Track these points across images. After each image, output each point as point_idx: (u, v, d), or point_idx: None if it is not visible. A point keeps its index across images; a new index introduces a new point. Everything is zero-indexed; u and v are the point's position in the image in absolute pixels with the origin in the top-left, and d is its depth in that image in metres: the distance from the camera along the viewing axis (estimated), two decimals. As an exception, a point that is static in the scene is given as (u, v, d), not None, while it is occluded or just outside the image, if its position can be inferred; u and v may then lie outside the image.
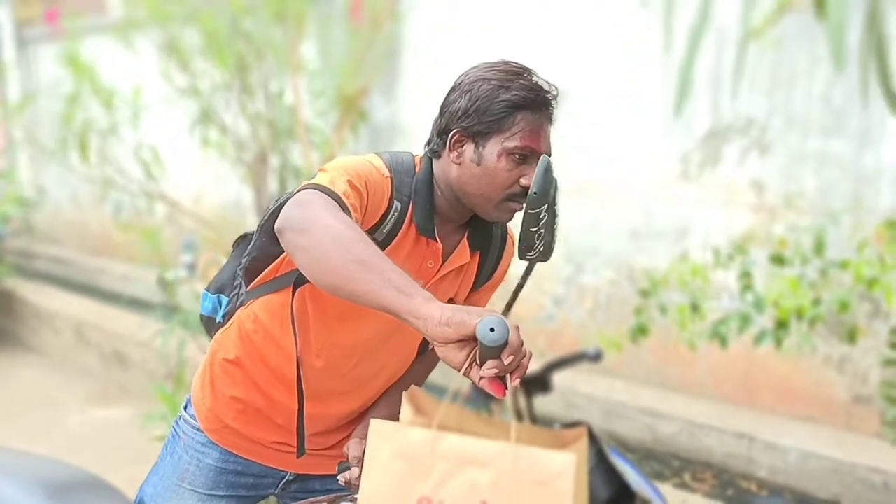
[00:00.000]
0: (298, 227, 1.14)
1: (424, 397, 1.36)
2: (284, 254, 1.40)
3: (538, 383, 1.43)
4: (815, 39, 3.29)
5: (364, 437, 1.44)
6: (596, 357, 1.38)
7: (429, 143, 1.43)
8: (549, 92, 1.35)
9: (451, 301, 1.49)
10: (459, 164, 1.36)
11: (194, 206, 5.14)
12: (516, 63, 1.37)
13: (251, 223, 3.49)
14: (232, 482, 1.53)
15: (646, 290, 3.07)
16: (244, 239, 1.55)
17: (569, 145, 4.46)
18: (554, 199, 1.29)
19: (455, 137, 1.36)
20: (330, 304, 1.39)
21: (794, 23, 3.12)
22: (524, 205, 1.33)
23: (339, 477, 1.41)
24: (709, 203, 3.87)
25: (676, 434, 3.76)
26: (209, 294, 1.60)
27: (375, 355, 1.47)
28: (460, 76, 1.40)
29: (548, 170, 1.27)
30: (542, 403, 3.79)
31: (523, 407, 1.49)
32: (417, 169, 1.42)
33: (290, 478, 1.57)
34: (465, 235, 1.46)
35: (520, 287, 1.51)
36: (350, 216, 1.20)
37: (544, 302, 4.65)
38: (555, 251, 1.40)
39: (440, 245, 1.41)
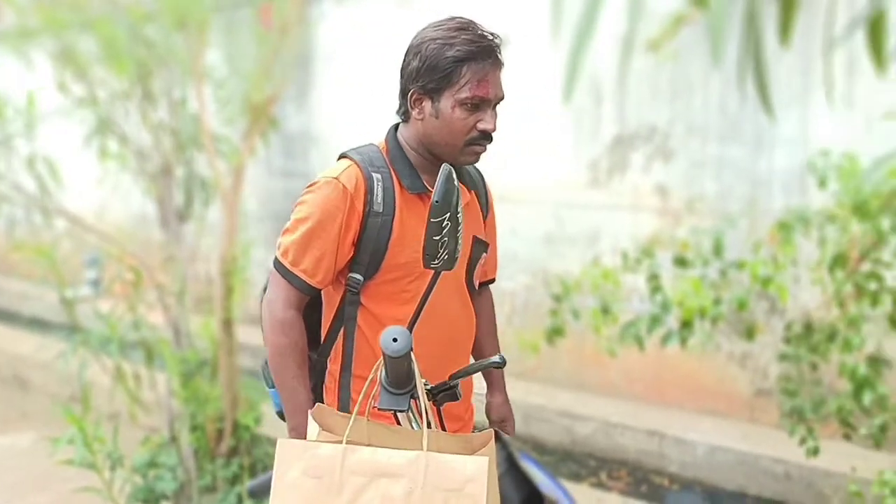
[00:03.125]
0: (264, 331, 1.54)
1: (330, 413, 1.34)
2: (330, 307, 1.61)
3: (446, 392, 1.43)
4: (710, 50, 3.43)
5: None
6: (500, 364, 1.40)
7: (399, 108, 1.57)
8: (491, 41, 1.48)
9: (473, 238, 1.64)
10: (422, 119, 1.51)
11: (97, 221, 4.93)
12: (460, 19, 1.49)
13: (157, 237, 3.37)
14: None
15: (559, 295, 3.13)
16: None
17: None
18: (456, 206, 1.30)
19: (413, 97, 1.51)
20: (386, 298, 1.56)
21: (690, 34, 3.26)
22: (485, 146, 1.51)
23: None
24: (618, 208, 3.98)
25: (592, 434, 3.84)
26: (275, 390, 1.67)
27: (441, 311, 1.60)
28: (413, 38, 1.53)
29: (448, 178, 1.28)
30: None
31: (433, 416, 1.49)
32: (383, 147, 1.59)
33: None
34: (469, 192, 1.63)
35: (425, 298, 1.51)
36: (306, 291, 1.53)
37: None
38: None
39: None
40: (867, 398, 2.39)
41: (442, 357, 1.58)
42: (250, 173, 4.73)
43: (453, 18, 1.49)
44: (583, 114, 4.00)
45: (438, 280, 1.56)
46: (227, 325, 3.02)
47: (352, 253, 1.53)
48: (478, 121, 1.48)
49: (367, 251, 1.52)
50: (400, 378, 1.23)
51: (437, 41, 1.46)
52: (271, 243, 6.20)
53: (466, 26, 1.48)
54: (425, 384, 1.41)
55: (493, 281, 1.81)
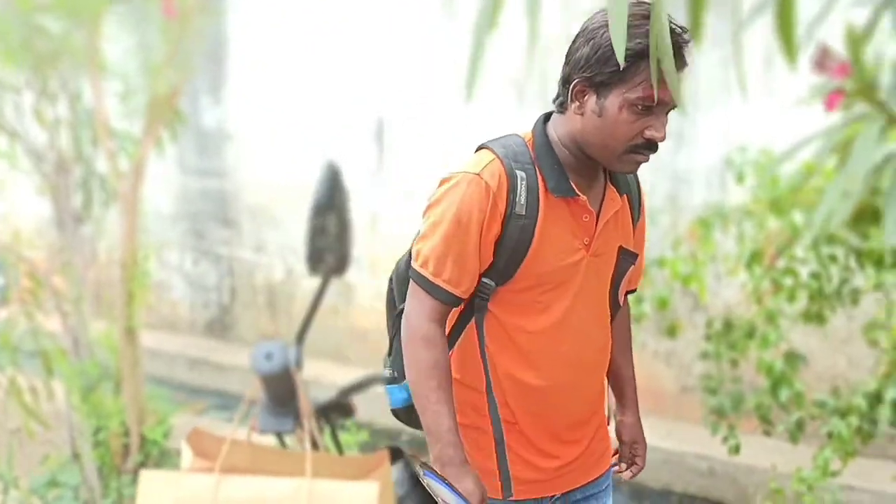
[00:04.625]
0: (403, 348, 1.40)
1: (208, 438, 1.22)
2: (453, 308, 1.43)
3: (339, 409, 1.33)
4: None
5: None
6: (392, 379, 1.31)
7: (557, 97, 1.40)
8: (679, 35, 1.26)
9: (621, 248, 1.48)
10: (581, 114, 1.34)
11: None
12: (647, 4, 1.25)
13: (54, 239, 3.15)
14: None
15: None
16: (398, 317, 1.52)
17: (396, 150, 4.41)
18: (342, 207, 1.19)
19: (577, 88, 1.33)
20: (516, 307, 1.41)
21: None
22: (648, 156, 1.34)
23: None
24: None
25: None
26: (397, 385, 1.54)
27: (577, 327, 1.45)
28: (586, 21, 1.33)
29: (334, 177, 1.17)
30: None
31: (324, 435, 1.39)
32: (529, 140, 1.42)
33: (556, 497, 1.53)
34: (606, 181, 1.45)
35: (314, 306, 1.40)
36: (451, 303, 1.38)
37: (388, 310, 4.57)
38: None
39: (584, 197, 1.39)
40: (784, 395, 2.39)
41: (570, 379, 1.45)
42: (162, 172, 4.52)
43: (640, 3, 1.26)
44: (505, 113, 3.94)
45: (578, 292, 1.42)
46: (130, 333, 2.84)
47: (494, 258, 1.38)
48: (646, 126, 1.30)
49: (504, 256, 1.38)
50: (281, 397, 1.12)
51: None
52: (187, 246, 5.97)
53: (651, 16, 1.25)
54: (318, 402, 1.30)
55: (633, 291, 1.67)
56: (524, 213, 1.36)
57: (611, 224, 1.44)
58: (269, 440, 1.83)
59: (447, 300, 1.37)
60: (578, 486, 1.53)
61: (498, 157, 1.38)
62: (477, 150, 1.44)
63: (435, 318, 1.37)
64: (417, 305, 1.38)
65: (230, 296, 5.15)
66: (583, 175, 1.40)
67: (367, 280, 4.53)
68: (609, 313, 1.52)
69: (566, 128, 1.38)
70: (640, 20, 1.23)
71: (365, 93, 4.42)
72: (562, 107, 1.39)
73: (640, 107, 1.27)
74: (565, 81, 1.36)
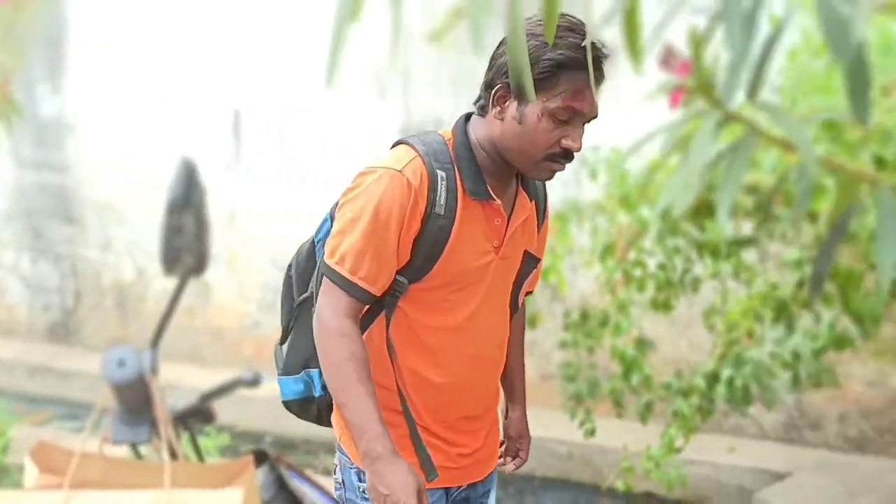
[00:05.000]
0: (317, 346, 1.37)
1: (55, 451, 1.13)
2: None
3: (198, 415, 1.27)
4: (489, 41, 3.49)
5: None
6: (253, 382, 1.27)
7: (478, 100, 1.41)
8: (599, 50, 1.29)
9: (525, 252, 1.50)
10: (501, 119, 1.36)
11: None
12: (570, 17, 1.30)
13: None
14: None
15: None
16: (299, 307, 1.50)
17: (253, 143, 4.29)
18: (200, 205, 1.14)
19: (499, 93, 1.35)
20: (426, 305, 1.41)
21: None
22: (564, 165, 1.37)
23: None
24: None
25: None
26: (292, 377, 1.51)
27: (481, 327, 1.46)
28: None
29: (190, 174, 1.12)
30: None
31: (182, 442, 1.32)
32: (449, 140, 1.41)
33: (462, 495, 1.54)
34: (519, 186, 1.46)
35: (171, 308, 1.34)
36: (365, 300, 1.35)
37: (249, 309, 4.43)
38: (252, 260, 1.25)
39: (499, 202, 1.41)
40: (635, 378, 2.54)
41: (470, 376, 1.47)
42: (-6, 165, 4.16)
43: (564, 16, 1.29)
44: (367, 106, 3.92)
45: (485, 293, 1.44)
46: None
47: (410, 257, 1.37)
48: (563, 136, 1.33)
49: (421, 255, 1.38)
50: (135, 405, 1.05)
51: (539, 38, 1.27)
52: (23, 245, 5.52)
53: (575, 28, 1.31)
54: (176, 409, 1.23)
55: (531, 292, 1.67)
56: (443, 213, 1.37)
57: (519, 229, 1.47)
58: (123, 451, 1.72)
59: (363, 297, 1.36)
60: (479, 479, 1.55)
61: (419, 154, 1.37)
62: (395, 145, 1.44)
63: (350, 314, 1.35)
64: (332, 302, 1.35)
65: (74, 298, 4.81)
66: (499, 179, 1.42)
67: (225, 278, 4.38)
68: (509, 314, 1.55)
69: (486, 131, 1.40)
70: (564, 31, 1.28)
71: (219, 83, 4.26)
72: (482, 110, 1.40)
73: (558, 117, 1.32)
74: (487, 86, 1.38)
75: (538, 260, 1.56)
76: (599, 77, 1.33)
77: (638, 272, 2.58)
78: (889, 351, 2.22)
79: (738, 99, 0.89)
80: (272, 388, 4.02)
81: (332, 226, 1.47)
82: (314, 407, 1.51)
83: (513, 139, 1.35)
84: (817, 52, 2.16)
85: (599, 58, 1.30)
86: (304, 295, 1.49)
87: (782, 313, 2.17)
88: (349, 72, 3.82)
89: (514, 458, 1.66)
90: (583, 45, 1.26)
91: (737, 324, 2.35)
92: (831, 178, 1.44)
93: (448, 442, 1.48)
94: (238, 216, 4.29)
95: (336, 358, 1.34)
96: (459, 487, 1.52)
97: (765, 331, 2.30)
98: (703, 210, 2.28)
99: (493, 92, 1.36)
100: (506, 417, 1.67)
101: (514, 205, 1.46)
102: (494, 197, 1.40)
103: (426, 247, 1.37)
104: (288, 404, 1.54)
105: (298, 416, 1.55)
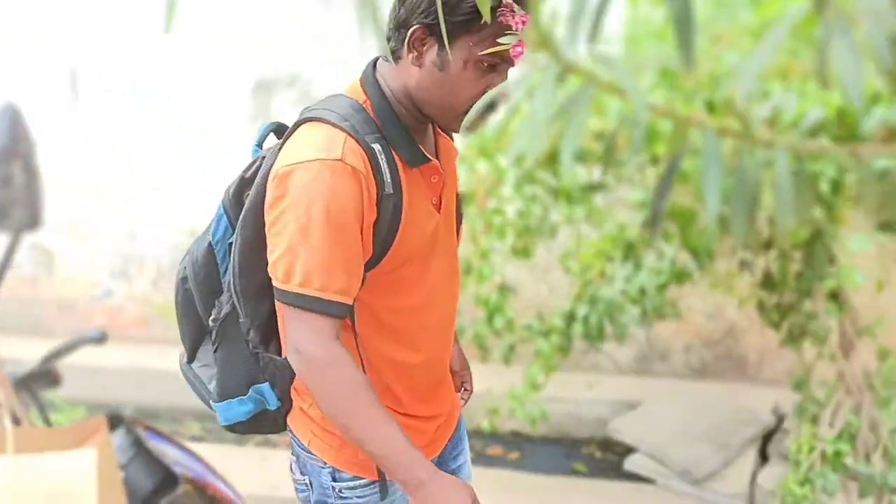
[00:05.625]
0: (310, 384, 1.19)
1: None
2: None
3: (42, 378, 1.19)
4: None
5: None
6: (100, 339, 1.21)
7: (387, 41, 1.18)
8: None
9: (457, 194, 1.39)
10: (419, 66, 1.17)
11: None
12: None
13: None
14: None
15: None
16: (222, 327, 1.30)
17: (90, 101, 4.02)
18: (28, 154, 1.05)
19: (416, 35, 1.15)
20: (385, 288, 1.27)
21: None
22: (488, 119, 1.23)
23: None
24: (264, 157, 3.83)
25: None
26: (236, 399, 1.31)
27: (439, 292, 1.35)
28: None
29: (15, 120, 1.02)
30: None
31: (28, 408, 1.24)
32: (365, 102, 1.21)
33: (435, 460, 1.44)
34: (435, 128, 1.32)
35: (2, 268, 1.23)
36: (343, 315, 1.18)
37: (99, 278, 4.18)
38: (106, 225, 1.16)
39: (436, 161, 1.27)
40: (498, 323, 2.63)
41: (440, 344, 1.37)
42: None
43: None
44: (214, 61, 3.75)
45: (436, 256, 1.31)
46: None
47: (372, 250, 1.21)
48: (489, 85, 1.17)
49: (378, 242, 1.22)
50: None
51: None
52: None
53: None
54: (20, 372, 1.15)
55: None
56: (392, 191, 1.21)
57: (449, 177, 1.36)
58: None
59: (341, 314, 1.19)
60: (449, 438, 1.49)
61: (346, 132, 1.17)
62: (303, 123, 1.22)
63: (333, 335, 1.18)
64: (307, 331, 1.17)
65: None
66: (421, 133, 1.28)
67: (71, 246, 4.10)
68: (457, 263, 1.46)
69: (400, 80, 1.22)
70: None
71: (56, 40, 3.92)
72: (393, 55, 1.21)
73: (486, 63, 1.16)
74: (399, 26, 1.18)
75: (458, 193, 1.45)
76: (530, 17, 1.14)
77: (498, 220, 2.65)
78: (722, 283, 2.42)
79: (581, 50, 0.92)
80: (127, 356, 3.84)
81: (229, 222, 1.32)
82: (269, 420, 1.37)
83: (432, 88, 1.19)
84: (656, 1, 2.27)
85: None
86: (224, 311, 1.31)
87: (630, 252, 2.31)
88: (194, 24, 3.62)
89: (460, 392, 1.60)
90: None
91: (590, 265, 2.48)
92: (668, 123, 1.53)
93: (425, 418, 1.41)
94: (77, 179, 4.01)
95: (337, 391, 1.18)
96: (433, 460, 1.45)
97: (615, 270, 2.44)
98: (557, 158, 2.37)
99: (408, 34, 1.16)
100: None
101: (438, 151, 1.33)
102: (431, 158, 1.27)
103: (382, 232, 1.23)
104: (232, 427, 1.37)
105: (247, 433, 1.40)
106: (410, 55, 1.18)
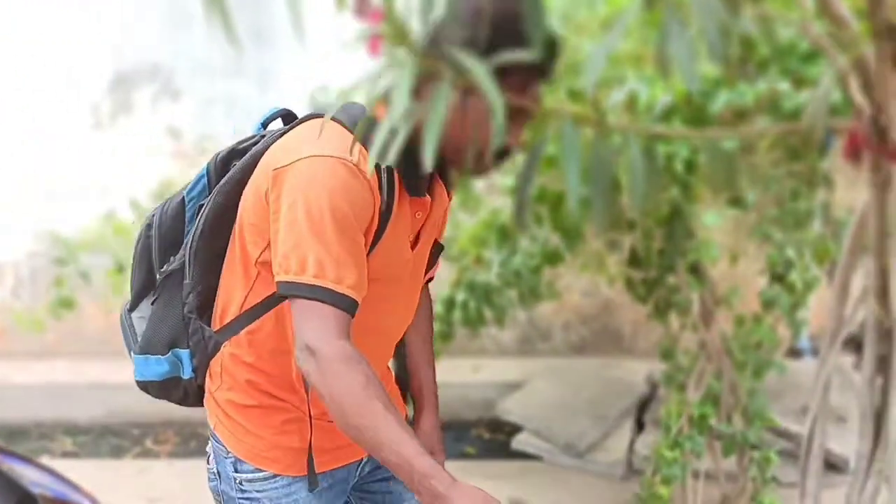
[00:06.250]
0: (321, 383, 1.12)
1: None
2: (250, 282, 1.24)
3: None
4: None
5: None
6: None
7: None
8: (551, 47, 1.10)
9: (434, 241, 1.38)
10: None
11: None
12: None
13: None
14: (330, 499, 1.39)
15: (63, 259, 2.74)
16: (166, 280, 1.30)
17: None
18: None
19: None
20: None
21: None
22: (498, 166, 1.21)
23: None
24: (127, 153, 3.64)
25: (133, 403, 3.55)
26: (154, 356, 1.31)
27: (392, 322, 1.36)
28: None
29: None
30: None
31: None
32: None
33: (365, 459, 1.44)
34: (437, 174, 1.28)
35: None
36: (354, 312, 1.14)
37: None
38: None
39: (429, 197, 1.26)
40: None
41: (376, 363, 1.29)
42: None
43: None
44: (76, 51, 3.52)
45: (400, 289, 1.31)
46: None
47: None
48: (507, 133, 1.13)
49: None
50: None
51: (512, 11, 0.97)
52: None
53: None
54: None
55: (432, 279, 1.51)
56: (385, 209, 1.20)
57: (432, 218, 1.35)
58: None
59: (352, 311, 1.14)
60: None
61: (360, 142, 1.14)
62: (316, 118, 1.21)
63: (345, 333, 1.13)
64: (320, 326, 1.11)
65: None
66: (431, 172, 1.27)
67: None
68: (418, 303, 1.45)
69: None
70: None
71: None
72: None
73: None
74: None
75: (442, 246, 1.44)
76: (551, 74, 1.17)
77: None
78: (593, 263, 2.52)
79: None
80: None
81: (209, 184, 1.31)
82: (180, 389, 1.35)
83: (453, 131, 1.14)
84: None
85: (550, 57, 1.14)
86: (172, 266, 1.30)
87: (504, 237, 2.36)
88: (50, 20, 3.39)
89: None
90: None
91: (466, 251, 2.52)
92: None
93: None
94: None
95: (351, 390, 1.10)
96: (356, 463, 1.44)
97: (491, 254, 2.49)
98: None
99: None
100: (415, 428, 1.50)
101: (433, 193, 1.31)
102: (427, 194, 1.26)
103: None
104: (145, 385, 1.36)
105: (157, 397, 1.38)
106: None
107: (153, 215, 1.35)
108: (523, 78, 1.10)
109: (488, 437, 3.41)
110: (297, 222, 1.12)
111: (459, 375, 3.53)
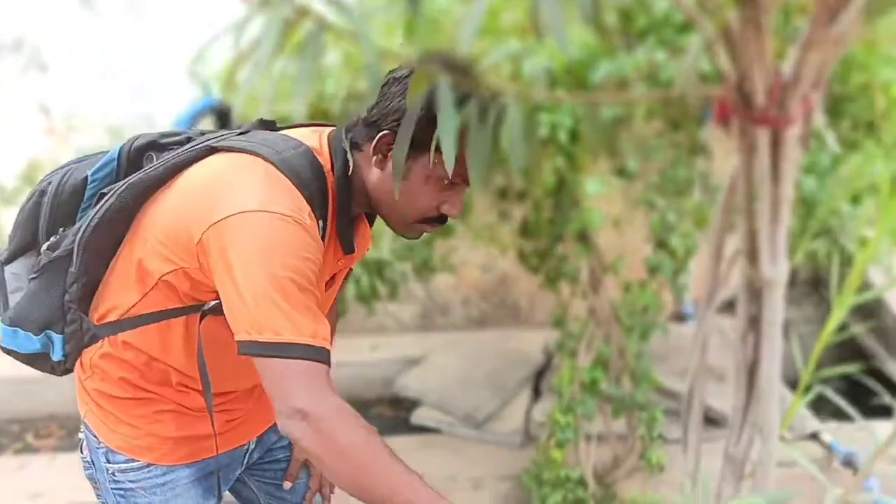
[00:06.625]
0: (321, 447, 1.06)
1: None
2: (144, 291, 1.20)
3: None
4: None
5: None
6: None
7: (349, 128, 1.21)
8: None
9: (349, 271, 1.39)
10: (381, 170, 1.19)
11: None
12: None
13: None
14: (209, 486, 1.38)
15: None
16: (50, 264, 1.22)
17: None
18: None
19: (384, 139, 1.17)
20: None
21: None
22: (435, 229, 1.25)
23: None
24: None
25: (11, 398, 3.34)
26: (24, 332, 1.25)
27: None
28: (408, 66, 1.12)
29: None
30: None
31: None
32: (327, 167, 1.19)
33: (252, 447, 1.46)
34: (364, 218, 1.33)
35: None
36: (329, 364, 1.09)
37: None
38: None
39: (355, 253, 1.30)
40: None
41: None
42: None
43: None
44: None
45: None
46: None
47: None
48: (444, 201, 1.19)
49: None
50: None
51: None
52: None
53: None
54: None
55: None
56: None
57: (353, 262, 1.37)
58: None
59: (329, 361, 1.09)
60: (268, 427, 1.47)
61: (305, 201, 1.14)
62: (258, 156, 1.15)
63: (331, 386, 1.08)
64: (309, 385, 1.05)
65: None
66: (357, 229, 1.31)
67: None
68: None
69: (360, 174, 1.22)
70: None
71: None
72: (355, 145, 1.21)
73: (446, 181, 1.17)
74: (370, 124, 1.19)
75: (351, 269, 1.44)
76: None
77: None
78: (485, 234, 2.54)
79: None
80: None
81: (118, 170, 1.26)
82: (48, 366, 1.31)
83: (389, 194, 1.19)
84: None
85: None
86: (58, 253, 1.22)
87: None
88: None
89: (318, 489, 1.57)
90: None
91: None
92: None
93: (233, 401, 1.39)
94: None
95: (355, 448, 1.05)
96: (250, 444, 1.45)
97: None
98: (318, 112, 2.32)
99: (377, 136, 1.17)
100: None
101: (357, 239, 1.32)
102: (354, 249, 1.29)
103: None
104: (9, 352, 1.29)
105: (22, 362, 1.32)
106: (375, 157, 1.19)
107: (48, 182, 1.28)
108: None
109: (390, 415, 3.40)
110: (258, 284, 1.06)
111: (358, 354, 3.51)
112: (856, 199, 2.06)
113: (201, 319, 1.21)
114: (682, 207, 2.35)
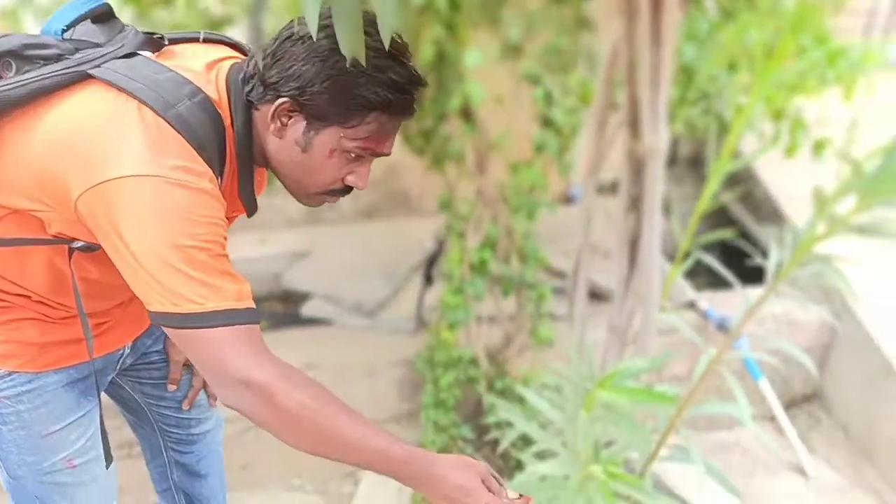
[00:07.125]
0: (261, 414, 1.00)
1: None
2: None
3: None
4: None
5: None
6: None
7: (247, 79, 1.08)
8: (417, 89, 1.06)
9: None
10: (280, 138, 1.09)
11: None
12: (397, 39, 1.03)
13: None
14: (84, 390, 1.29)
15: None
16: None
17: None
18: None
19: (283, 106, 1.06)
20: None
21: None
22: (338, 199, 1.16)
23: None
24: None
25: None
26: None
27: None
28: (325, 28, 0.99)
29: None
30: None
31: None
32: (227, 122, 1.09)
33: (126, 352, 1.39)
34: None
35: None
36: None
37: None
38: None
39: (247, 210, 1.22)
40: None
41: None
42: None
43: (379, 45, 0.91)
44: None
45: None
46: None
47: None
48: (350, 172, 1.10)
49: None
50: None
51: (358, 66, 0.97)
52: None
53: (403, 54, 1.04)
54: None
55: None
56: None
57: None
58: None
59: (256, 320, 1.02)
60: (143, 331, 1.41)
61: (206, 163, 1.03)
62: (150, 107, 1.01)
63: (266, 348, 1.01)
64: (248, 351, 0.99)
65: None
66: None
67: None
68: None
69: (258, 137, 1.11)
70: (389, 60, 1.01)
71: None
72: (252, 105, 1.10)
73: (353, 154, 1.08)
74: (266, 84, 1.06)
75: None
76: (411, 118, 1.11)
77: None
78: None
79: None
80: None
81: None
82: None
83: (289, 164, 1.10)
84: None
85: (412, 102, 1.07)
86: None
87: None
88: None
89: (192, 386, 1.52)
90: (407, 84, 1.04)
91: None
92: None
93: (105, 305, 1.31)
94: None
95: (306, 410, 0.99)
96: (125, 348, 1.39)
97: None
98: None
99: (276, 104, 1.05)
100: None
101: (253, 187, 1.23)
102: (252, 207, 1.20)
103: None
104: None
105: None
106: (273, 124, 1.08)
107: None
108: (392, 128, 1.10)
109: (281, 310, 3.33)
110: (165, 260, 0.97)
111: (246, 251, 3.39)
112: (732, 67, 2.07)
113: (70, 255, 1.13)
114: (567, 83, 2.30)
